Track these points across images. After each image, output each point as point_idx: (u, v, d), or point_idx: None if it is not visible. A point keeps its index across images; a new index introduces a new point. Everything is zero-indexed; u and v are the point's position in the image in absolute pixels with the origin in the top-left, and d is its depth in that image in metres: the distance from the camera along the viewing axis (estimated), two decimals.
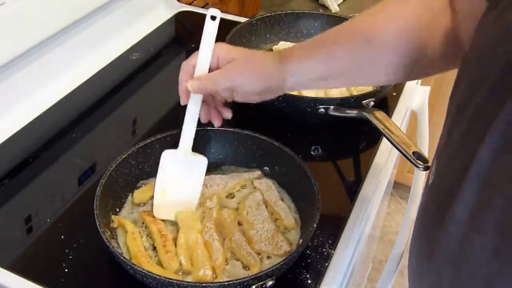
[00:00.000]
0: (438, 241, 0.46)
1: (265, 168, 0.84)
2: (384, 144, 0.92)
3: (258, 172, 0.84)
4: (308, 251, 0.74)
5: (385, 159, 0.91)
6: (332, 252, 0.74)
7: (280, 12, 1.15)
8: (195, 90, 0.74)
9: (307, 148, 0.93)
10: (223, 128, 0.84)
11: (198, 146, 0.85)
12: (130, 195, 0.80)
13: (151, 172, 0.83)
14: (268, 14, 1.15)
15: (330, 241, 0.75)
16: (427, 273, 0.49)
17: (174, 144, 0.81)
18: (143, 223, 0.76)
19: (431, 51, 0.67)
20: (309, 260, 0.73)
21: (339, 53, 0.70)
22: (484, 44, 0.45)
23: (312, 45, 0.73)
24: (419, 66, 0.69)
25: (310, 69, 0.72)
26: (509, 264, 0.40)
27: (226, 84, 0.73)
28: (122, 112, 1.03)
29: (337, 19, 1.16)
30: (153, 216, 0.76)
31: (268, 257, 0.72)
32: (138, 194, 0.79)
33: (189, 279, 0.69)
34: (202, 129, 0.84)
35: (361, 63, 0.70)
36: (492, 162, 0.40)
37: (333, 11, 1.51)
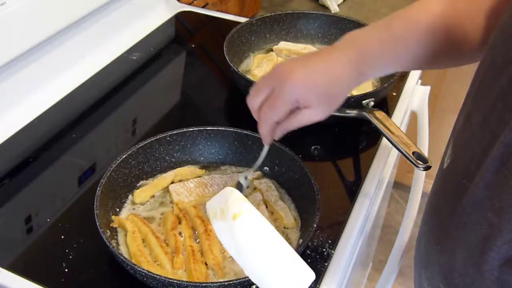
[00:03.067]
0: (452, 223, 0.46)
1: (265, 168, 0.84)
2: (384, 144, 0.92)
3: (258, 172, 0.84)
4: (308, 251, 0.74)
5: (385, 159, 0.91)
6: (332, 252, 0.74)
7: (280, 12, 1.16)
8: (281, 135, 0.70)
9: (307, 148, 0.93)
10: (223, 128, 0.84)
11: (199, 146, 0.85)
12: (130, 195, 0.80)
13: (151, 172, 0.83)
14: (268, 14, 1.15)
15: (330, 241, 0.75)
16: (437, 256, 0.49)
17: (171, 143, 0.81)
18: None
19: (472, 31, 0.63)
20: (309, 260, 0.73)
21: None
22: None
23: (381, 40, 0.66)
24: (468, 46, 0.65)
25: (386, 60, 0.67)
26: None
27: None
28: (122, 112, 1.03)
29: (336, 20, 1.16)
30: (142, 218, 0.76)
31: None
32: (139, 194, 0.79)
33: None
34: (202, 129, 0.84)
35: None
36: None
37: (332, 11, 1.51)
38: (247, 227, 0.58)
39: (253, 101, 0.68)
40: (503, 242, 0.41)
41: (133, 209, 0.78)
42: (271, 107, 0.65)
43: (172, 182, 0.82)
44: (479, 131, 0.46)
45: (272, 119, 0.66)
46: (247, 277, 0.63)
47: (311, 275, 0.58)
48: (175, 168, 0.84)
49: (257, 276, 0.58)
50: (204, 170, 0.85)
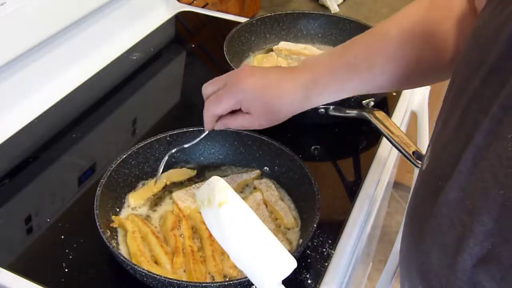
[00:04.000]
0: (429, 223, 0.47)
1: (265, 168, 0.84)
2: (384, 144, 0.92)
3: (258, 172, 0.84)
4: (308, 251, 0.74)
5: (385, 159, 0.91)
6: (332, 252, 0.74)
7: (280, 12, 1.16)
8: (221, 128, 0.75)
9: (307, 148, 0.93)
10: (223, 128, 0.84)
11: (199, 146, 0.85)
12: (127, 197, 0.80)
13: (151, 172, 0.83)
14: (268, 14, 1.15)
15: (330, 241, 0.75)
16: (416, 255, 0.50)
17: (171, 143, 0.82)
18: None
19: (450, 46, 0.66)
20: (309, 260, 0.73)
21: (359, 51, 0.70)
22: (486, 30, 0.45)
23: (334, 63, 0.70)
24: (437, 65, 0.68)
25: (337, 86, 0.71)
26: (499, 246, 0.40)
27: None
28: (122, 112, 1.03)
29: (336, 20, 1.16)
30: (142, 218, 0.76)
31: None
32: (135, 197, 0.79)
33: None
34: (202, 129, 0.84)
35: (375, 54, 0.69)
36: (487, 146, 0.41)
37: (332, 12, 1.52)
38: (232, 215, 0.59)
39: (206, 89, 0.73)
40: (475, 242, 0.42)
41: (132, 211, 0.78)
42: (217, 99, 0.71)
43: (165, 185, 0.82)
44: (454, 134, 0.46)
45: (215, 110, 0.71)
46: (247, 277, 0.64)
47: (293, 263, 0.59)
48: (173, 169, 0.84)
49: (241, 262, 0.59)
50: (195, 170, 0.85)
